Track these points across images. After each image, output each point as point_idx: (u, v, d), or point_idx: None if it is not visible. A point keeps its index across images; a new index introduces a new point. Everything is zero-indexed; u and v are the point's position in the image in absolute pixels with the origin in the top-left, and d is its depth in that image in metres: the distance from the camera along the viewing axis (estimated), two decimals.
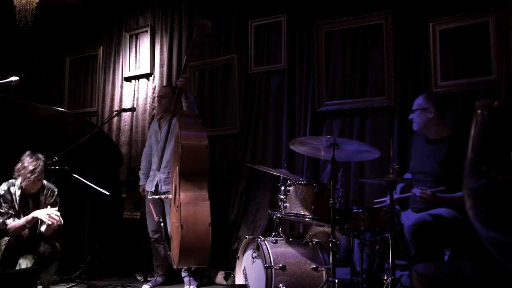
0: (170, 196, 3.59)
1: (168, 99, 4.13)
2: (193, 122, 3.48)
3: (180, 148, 3.24)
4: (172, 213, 3.59)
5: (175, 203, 3.34)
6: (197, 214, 3.19)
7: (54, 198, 3.31)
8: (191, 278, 3.95)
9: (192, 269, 3.86)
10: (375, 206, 3.12)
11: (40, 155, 3.27)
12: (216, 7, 4.85)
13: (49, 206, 3.17)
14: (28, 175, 3.16)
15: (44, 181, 3.35)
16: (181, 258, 3.17)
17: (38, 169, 3.18)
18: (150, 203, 3.89)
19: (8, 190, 3.18)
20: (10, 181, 3.23)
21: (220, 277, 4.12)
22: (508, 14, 3.41)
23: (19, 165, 3.21)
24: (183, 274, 4.01)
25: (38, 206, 3.24)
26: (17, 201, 3.20)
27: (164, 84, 5.03)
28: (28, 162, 3.20)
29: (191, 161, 3.25)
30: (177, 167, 3.33)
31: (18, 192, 3.18)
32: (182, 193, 3.21)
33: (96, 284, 3.89)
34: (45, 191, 3.30)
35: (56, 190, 3.36)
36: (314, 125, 4.16)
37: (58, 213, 3.14)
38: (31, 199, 3.25)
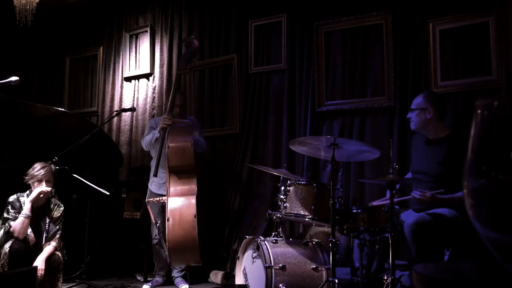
0: (164, 198, 3.62)
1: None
2: (181, 128, 3.66)
3: (167, 148, 3.45)
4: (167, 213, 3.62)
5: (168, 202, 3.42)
6: (183, 207, 3.30)
7: (60, 213, 3.36)
8: (182, 279, 3.95)
9: (191, 270, 3.86)
10: (374, 205, 3.12)
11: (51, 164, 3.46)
12: (216, 7, 4.85)
13: (51, 224, 3.28)
14: (37, 173, 3.27)
15: (52, 198, 3.42)
16: (171, 253, 3.22)
17: (47, 169, 3.31)
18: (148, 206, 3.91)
19: (17, 199, 3.29)
20: (19, 193, 3.33)
21: (220, 277, 4.12)
22: (508, 14, 3.41)
23: (30, 169, 3.33)
24: (176, 275, 4.01)
25: (44, 218, 3.30)
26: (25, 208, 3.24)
27: (164, 84, 5.04)
28: (38, 164, 3.34)
29: (178, 158, 3.45)
30: (167, 167, 3.51)
31: (28, 203, 3.22)
32: (172, 189, 3.37)
33: (96, 284, 3.89)
34: (51, 206, 3.37)
35: (62, 206, 3.41)
36: (314, 125, 4.16)
37: (49, 189, 3.25)
38: (38, 210, 3.30)
